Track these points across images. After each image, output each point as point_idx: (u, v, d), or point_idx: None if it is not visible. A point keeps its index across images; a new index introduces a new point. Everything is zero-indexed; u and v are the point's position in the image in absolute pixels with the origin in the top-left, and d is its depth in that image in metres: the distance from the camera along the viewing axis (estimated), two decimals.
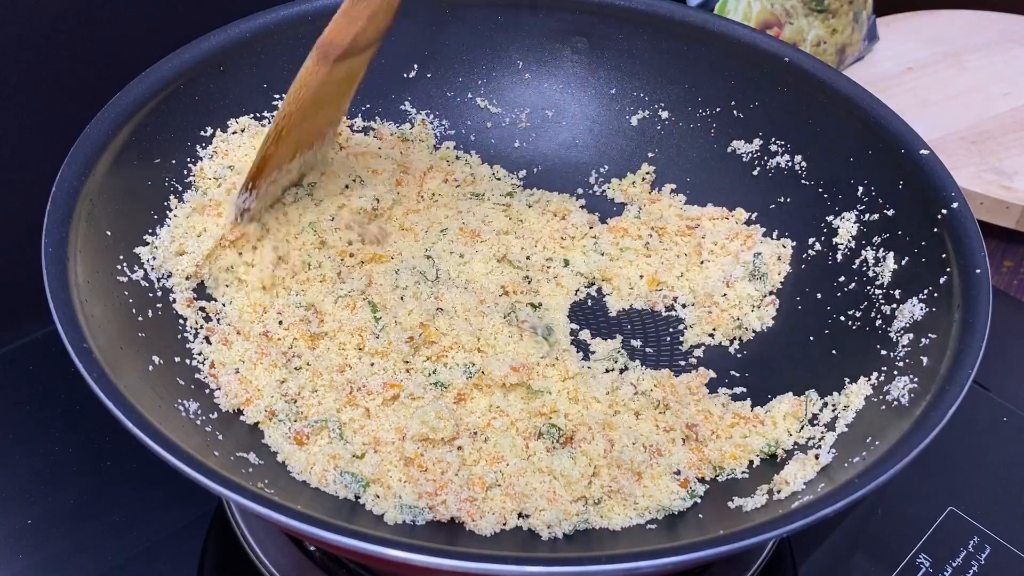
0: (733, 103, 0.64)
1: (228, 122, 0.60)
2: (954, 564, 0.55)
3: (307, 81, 0.50)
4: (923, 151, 0.54)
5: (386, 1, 0.49)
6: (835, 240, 0.58)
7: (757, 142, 0.63)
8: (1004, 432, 0.63)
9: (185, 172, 0.57)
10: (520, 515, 0.47)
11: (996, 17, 1.00)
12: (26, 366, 0.65)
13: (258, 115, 0.61)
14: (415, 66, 0.66)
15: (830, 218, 0.59)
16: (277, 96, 0.62)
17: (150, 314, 0.51)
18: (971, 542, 0.56)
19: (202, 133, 0.59)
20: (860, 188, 0.58)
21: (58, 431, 0.61)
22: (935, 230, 0.52)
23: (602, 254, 0.63)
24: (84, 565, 0.54)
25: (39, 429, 0.61)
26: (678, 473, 0.49)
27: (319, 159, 0.60)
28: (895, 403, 0.47)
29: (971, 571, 0.55)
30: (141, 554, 0.55)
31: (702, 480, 0.49)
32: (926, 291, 0.51)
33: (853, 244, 0.57)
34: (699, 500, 0.48)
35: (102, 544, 0.55)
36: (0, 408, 0.62)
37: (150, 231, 0.54)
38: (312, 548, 0.53)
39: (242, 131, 0.60)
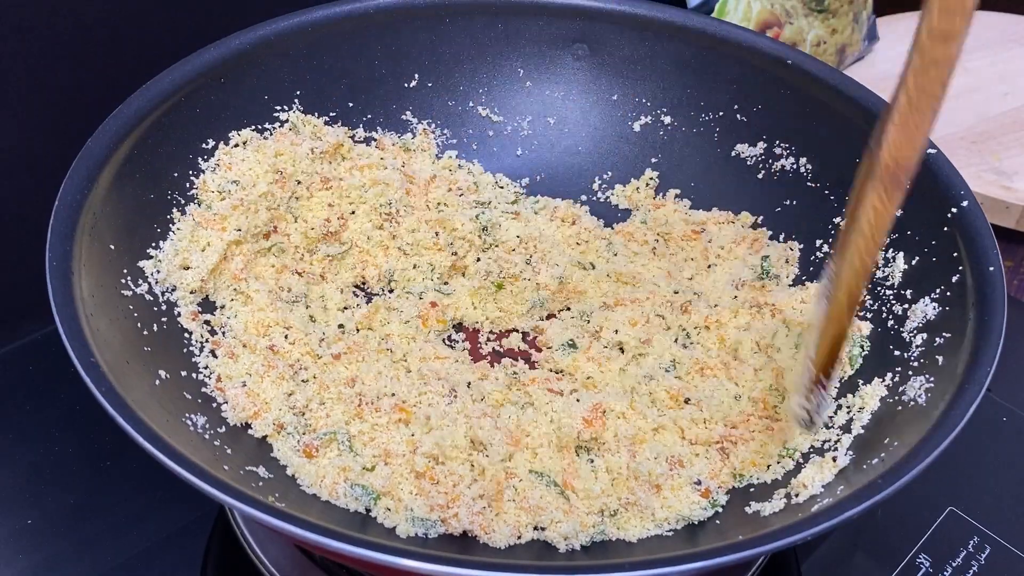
0: (736, 106, 0.64)
1: (230, 134, 0.59)
2: (954, 564, 0.55)
3: (883, 222, 0.39)
4: (930, 150, 0.54)
5: (941, 103, 0.36)
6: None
7: (761, 145, 0.63)
8: (1004, 432, 0.63)
9: (187, 185, 0.57)
10: (536, 528, 0.46)
11: (996, 17, 1.00)
12: (26, 366, 0.65)
13: (259, 127, 0.61)
14: (416, 75, 0.66)
15: (837, 220, 0.59)
16: (278, 107, 0.62)
17: (155, 328, 0.50)
18: (971, 542, 0.57)
19: (204, 146, 0.58)
20: None
21: (58, 431, 0.61)
22: (945, 229, 0.52)
23: (615, 254, 0.63)
24: (84, 565, 0.54)
25: (39, 429, 0.61)
26: (699, 483, 0.49)
27: None
28: (912, 403, 0.47)
29: (971, 571, 0.55)
30: (141, 554, 0.55)
31: (723, 489, 0.49)
32: (938, 290, 0.51)
33: None
34: (720, 509, 0.48)
35: (102, 544, 0.55)
36: (0, 408, 0.62)
37: (153, 245, 0.54)
38: None
39: (244, 144, 0.60)
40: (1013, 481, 0.60)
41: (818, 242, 0.60)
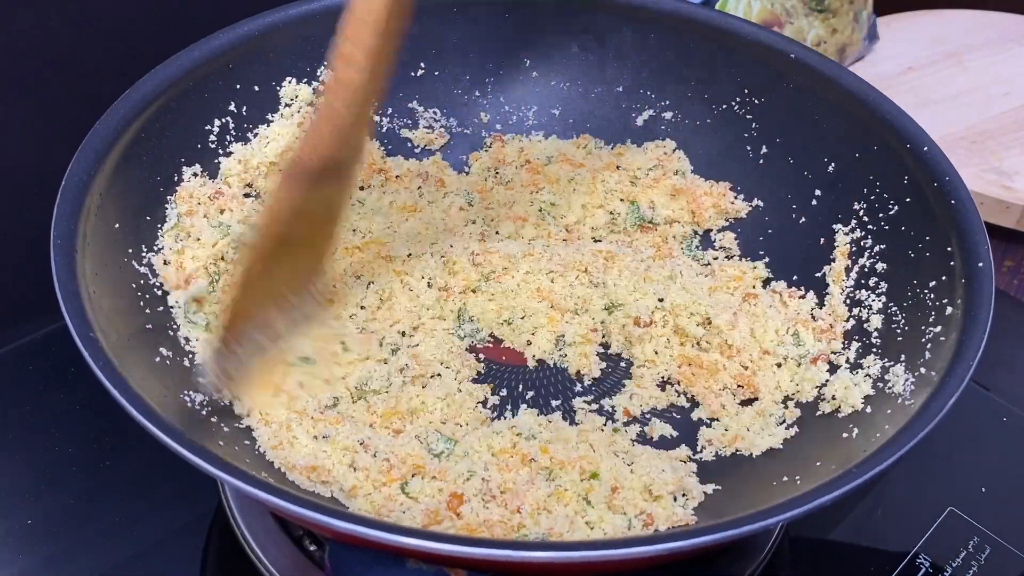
0: (739, 100, 0.64)
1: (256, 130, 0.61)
2: (954, 564, 0.55)
3: (276, 209, 0.44)
4: (926, 146, 0.54)
5: (352, 120, 0.43)
6: (840, 235, 0.59)
7: (764, 138, 0.63)
8: (1004, 432, 0.63)
9: (193, 169, 0.58)
10: None
11: (996, 17, 1.00)
12: (26, 366, 0.65)
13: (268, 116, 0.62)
14: (422, 64, 0.66)
15: (836, 212, 0.59)
16: (284, 95, 0.62)
17: (159, 308, 0.51)
18: (971, 542, 0.56)
19: (208, 128, 0.59)
20: (865, 183, 0.58)
21: (58, 431, 0.61)
22: (939, 224, 0.52)
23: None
24: (84, 565, 0.54)
25: (39, 429, 0.61)
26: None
27: (305, 319, 0.51)
28: (896, 396, 0.47)
29: (971, 571, 0.55)
30: (141, 554, 0.55)
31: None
32: (929, 285, 0.51)
33: (857, 237, 0.57)
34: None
35: (102, 544, 0.55)
36: (0, 408, 0.62)
37: (159, 226, 0.54)
38: (312, 548, 0.53)
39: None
40: (1013, 481, 0.60)
41: (817, 235, 0.60)
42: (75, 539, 0.55)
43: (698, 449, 0.52)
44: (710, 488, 0.49)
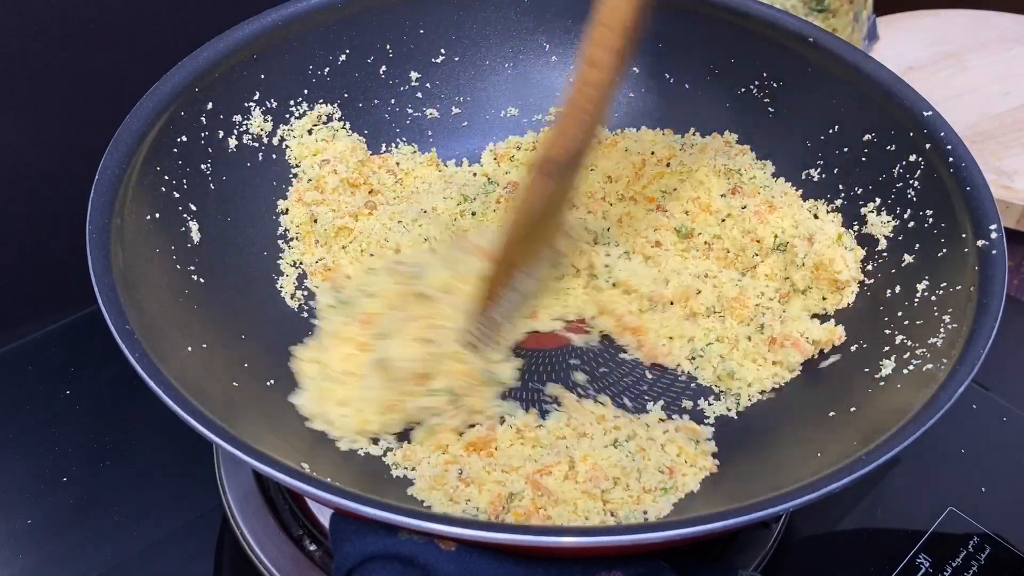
0: (757, 83, 0.63)
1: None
2: (954, 564, 0.55)
3: (530, 198, 0.49)
4: (943, 132, 0.54)
5: (597, 116, 0.48)
6: (858, 220, 0.58)
7: (781, 122, 0.63)
8: (1004, 432, 0.63)
9: (222, 159, 0.58)
10: None
11: (996, 17, 1.00)
12: (26, 366, 0.65)
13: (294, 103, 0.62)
14: (442, 50, 0.66)
15: (856, 199, 0.59)
16: (314, 80, 0.63)
17: (193, 296, 0.51)
18: (971, 542, 0.56)
19: (236, 120, 0.59)
20: (882, 168, 0.57)
21: (58, 431, 0.61)
22: (955, 212, 0.52)
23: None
24: (84, 565, 0.54)
25: (39, 429, 0.61)
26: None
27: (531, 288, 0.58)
28: (899, 385, 0.47)
29: (971, 571, 0.55)
30: (140, 554, 0.55)
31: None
32: (941, 272, 0.51)
33: (874, 221, 0.57)
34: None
35: (102, 544, 0.55)
36: (0, 408, 0.62)
37: (189, 218, 0.54)
38: (312, 548, 0.53)
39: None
40: (1013, 481, 0.60)
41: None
42: (75, 539, 0.56)
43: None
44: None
